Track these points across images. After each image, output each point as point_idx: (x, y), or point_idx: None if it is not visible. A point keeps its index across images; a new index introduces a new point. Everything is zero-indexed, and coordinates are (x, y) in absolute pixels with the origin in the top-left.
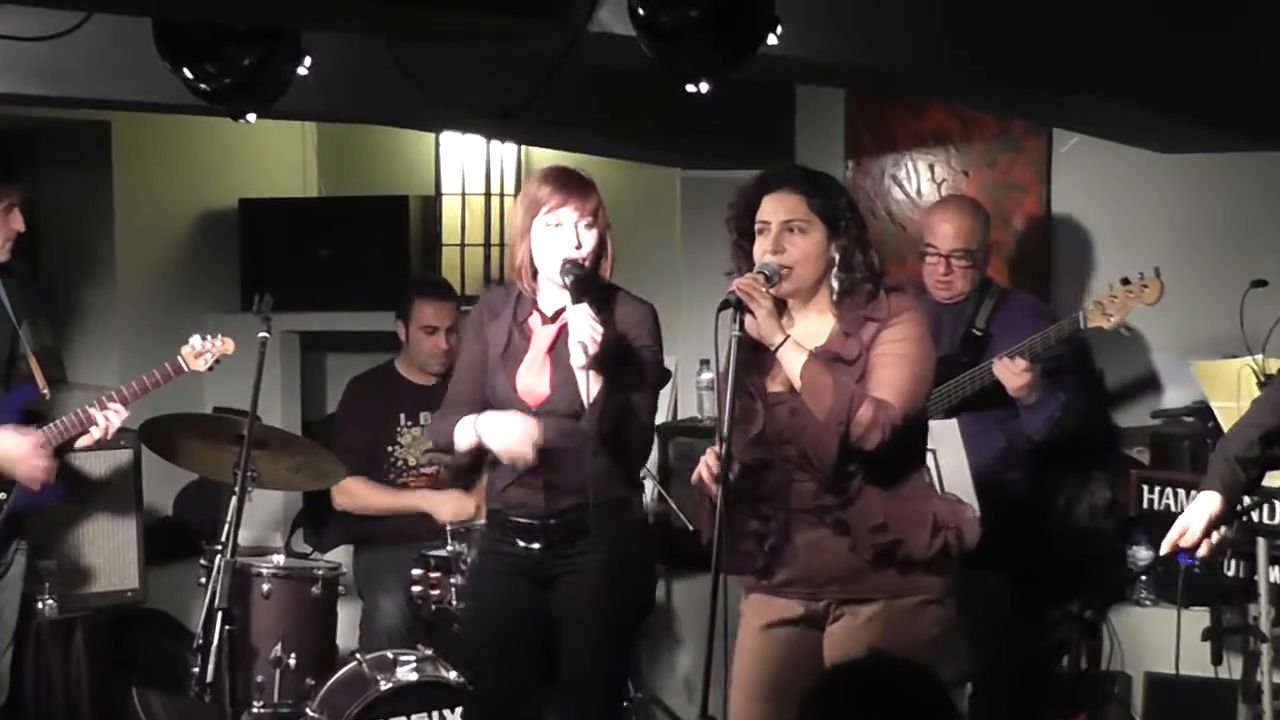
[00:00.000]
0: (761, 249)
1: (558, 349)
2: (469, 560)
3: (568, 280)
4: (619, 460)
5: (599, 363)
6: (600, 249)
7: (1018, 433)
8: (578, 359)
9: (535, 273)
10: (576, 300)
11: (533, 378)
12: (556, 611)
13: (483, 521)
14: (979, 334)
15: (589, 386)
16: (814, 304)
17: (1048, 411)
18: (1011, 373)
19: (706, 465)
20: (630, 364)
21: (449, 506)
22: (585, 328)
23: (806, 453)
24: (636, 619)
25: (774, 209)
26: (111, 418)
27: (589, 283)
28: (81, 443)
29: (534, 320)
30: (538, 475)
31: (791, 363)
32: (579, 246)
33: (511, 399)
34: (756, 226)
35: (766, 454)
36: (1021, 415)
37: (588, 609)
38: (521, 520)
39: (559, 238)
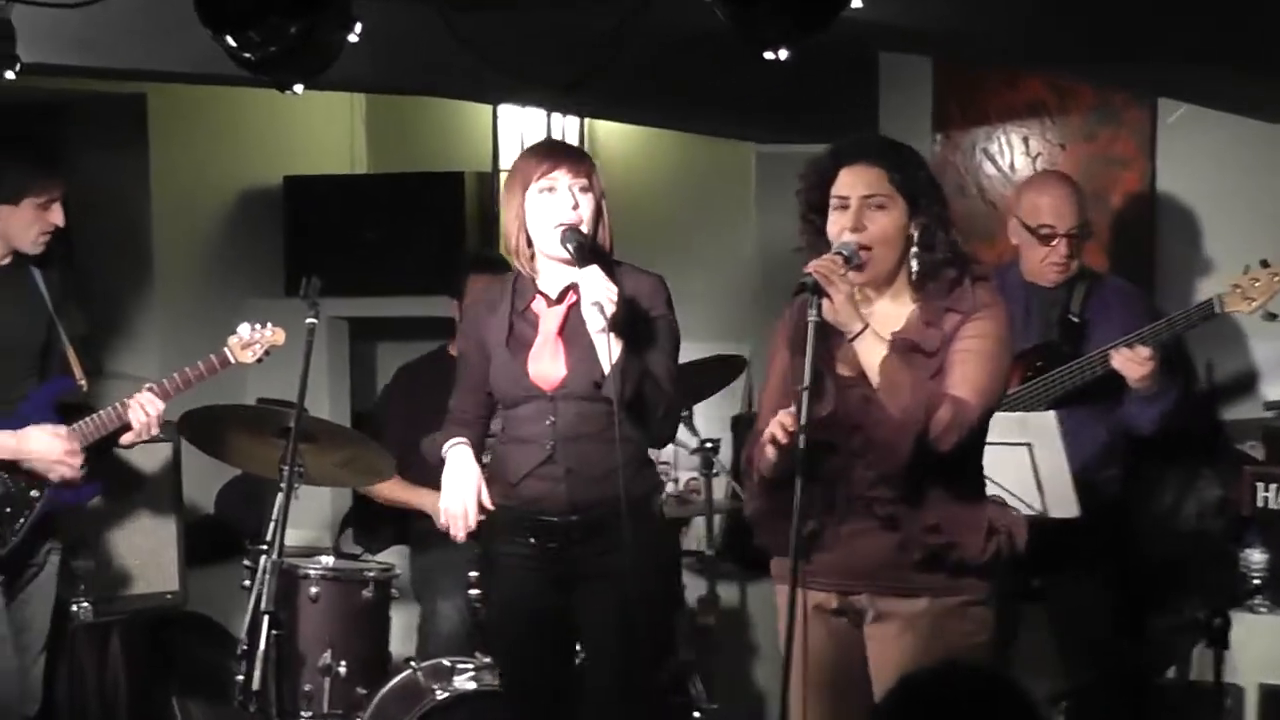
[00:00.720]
0: (839, 226)
1: (568, 330)
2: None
3: (570, 246)
4: (643, 428)
5: (616, 326)
6: (597, 218)
7: (1119, 427)
8: (595, 322)
9: (533, 252)
10: (584, 263)
11: (546, 362)
12: (580, 617)
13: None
14: (1075, 320)
15: (610, 350)
16: (891, 285)
17: (1164, 403)
18: (1134, 363)
19: (781, 426)
20: (647, 328)
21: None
22: (600, 288)
23: (876, 444)
24: (667, 624)
25: (853, 183)
26: (147, 408)
27: (592, 247)
28: (126, 438)
29: (537, 304)
30: (558, 464)
31: (869, 354)
32: (575, 207)
33: (525, 387)
34: (832, 201)
35: (832, 438)
36: (1133, 408)
37: (615, 618)
38: (539, 518)
39: (553, 204)
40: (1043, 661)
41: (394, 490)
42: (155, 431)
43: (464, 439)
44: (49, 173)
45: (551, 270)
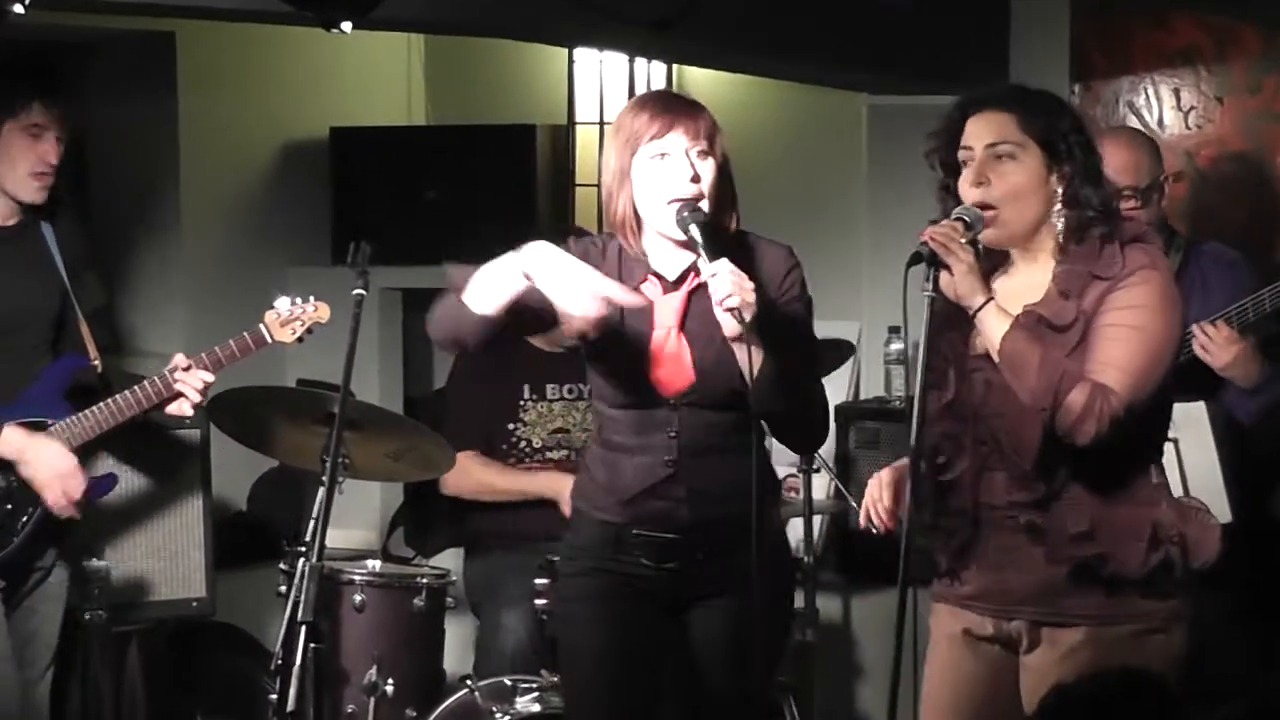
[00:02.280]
0: (964, 183)
1: (690, 322)
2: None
3: (692, 229)
4: (801, 441)
5: (754, 328)
6: (722, 189)
7: (1222, 418)
8: (730, 328)
9: (640, 226)
10: (713, 255)
11: (668, 363)
12: (693, 644)
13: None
14: None
15: (751, 360)
16: (1036, 250)
17: (1268, 395)
18: (1215, 344)
19: (875, 506)
20: (790, 319)
21: None
22: (735, 288)
23: (1004, 437)
24: (783, 649)
25: (978, 132)
26: (198, 386)
27: (714, 226)
28: (172, 409)
29: (649, 288)
30: (679, 483)
31: (992, 331)
32: (696, 179)
33: (642, 393)
34: (959, 155)
35: (958, 429)
36: (1229, 396)
37: (734, 645)
38: (654, 535)
39: (668, 172)
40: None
41: (496, 477)
42: (195, 409)
43: None
44: (38, 94)
45: (666, 250)
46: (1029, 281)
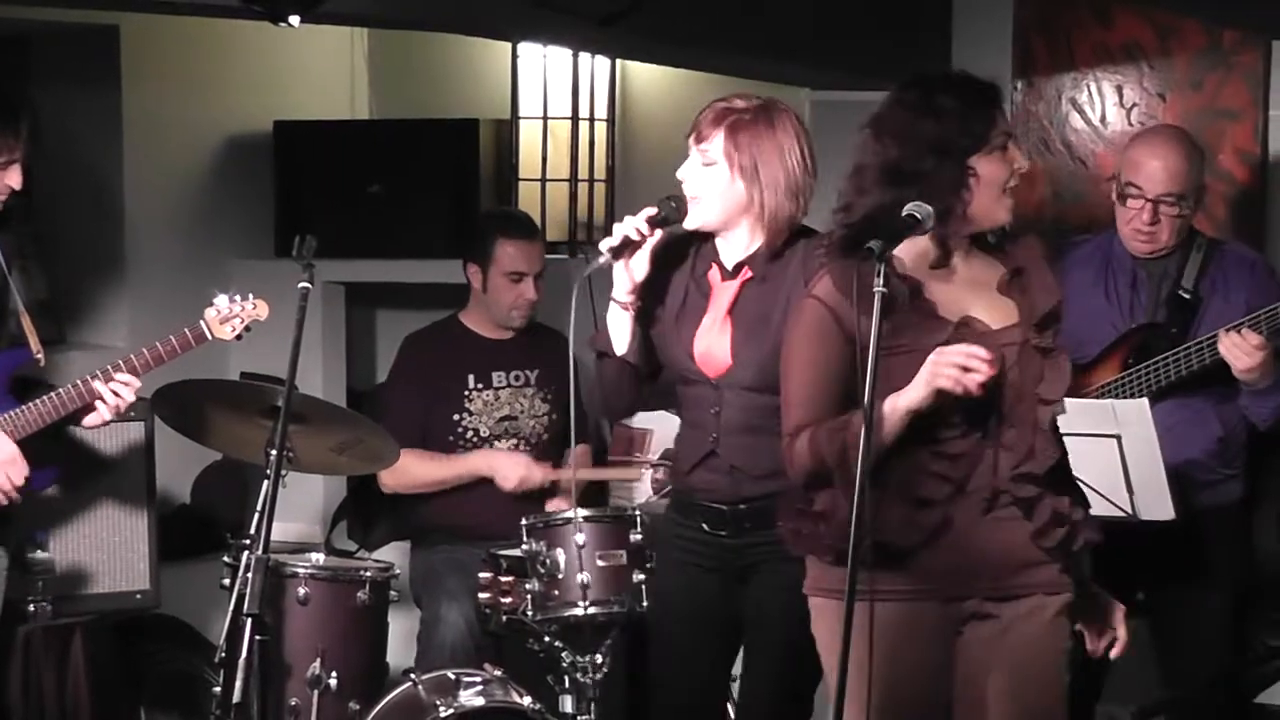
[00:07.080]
0: (1001, 208)
1: (740, 308)
2: (649, 552)
3: (655, 208)
4: None
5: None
6: (753, 185)
7: (1237, 419)
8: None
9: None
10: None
11: (712, 344)
12: (748, 609)
13: (567, 513)
14: (1187, 296)
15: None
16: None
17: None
18: (1242, 350)
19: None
20: None
21: (516, 469)
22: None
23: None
24: None
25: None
26: (122, 392)
27: (668, 222)
28: (89, 421)
29: (714, 274)
30: (722, 459)
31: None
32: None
33: (688, 368)
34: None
35: (978, 411)
36: (1246, 399)
37: (782, 613)
38: (709, 504)
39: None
40: (1142, 681)
41: (432, 468)
42: (120, 413)
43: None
44: (9, 129)
45: (726, 244)
46: (977, 273)
